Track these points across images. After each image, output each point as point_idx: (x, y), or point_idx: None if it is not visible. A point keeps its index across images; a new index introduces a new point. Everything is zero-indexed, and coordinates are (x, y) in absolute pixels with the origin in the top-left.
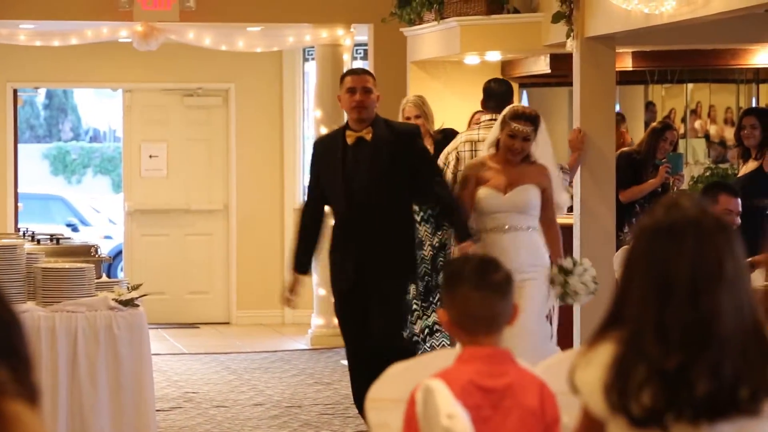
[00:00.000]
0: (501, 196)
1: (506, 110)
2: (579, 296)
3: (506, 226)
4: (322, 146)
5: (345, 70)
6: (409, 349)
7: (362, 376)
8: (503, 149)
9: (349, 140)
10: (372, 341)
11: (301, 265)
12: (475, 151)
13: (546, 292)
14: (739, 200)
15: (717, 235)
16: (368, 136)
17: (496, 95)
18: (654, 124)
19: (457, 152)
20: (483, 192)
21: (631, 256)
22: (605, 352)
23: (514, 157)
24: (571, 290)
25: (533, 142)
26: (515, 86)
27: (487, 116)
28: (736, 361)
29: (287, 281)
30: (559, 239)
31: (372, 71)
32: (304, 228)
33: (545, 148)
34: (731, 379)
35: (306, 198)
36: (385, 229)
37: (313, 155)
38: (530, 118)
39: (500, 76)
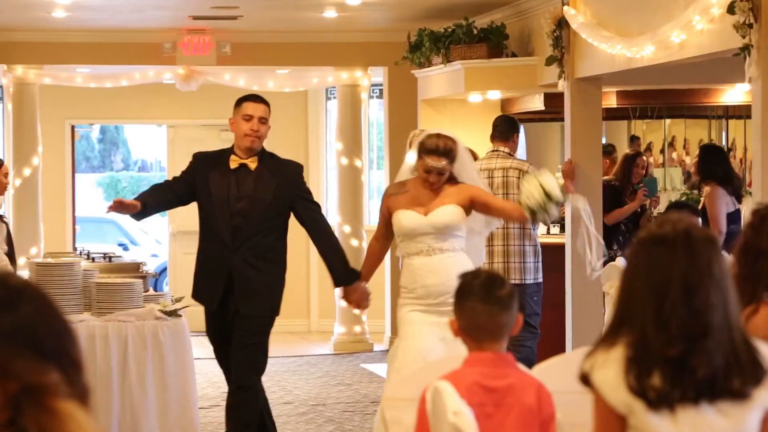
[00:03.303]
0: (422, 218)
1: (421, 140)
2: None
3: (432, 248)
4: (204, 162)
5: (241, 96)
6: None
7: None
8: (422, 182)
9: (233, 165)
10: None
11: (143, 201)
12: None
13: None
14: (694, 218)
15: (705, 242)
16: (252, 165)
17: (497, 128)
18: (627, 152)
19: None
20: (403, 214)
21: (630, 267)
22: (619, 352)
23: (432, 188)
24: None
25: (454, 165)
26: None
27: (492, 147)
28: (726, 352)
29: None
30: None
31: (386, 108)
32: (151, 188)
33: (468, 167)
34: (724, 366)
35: (166, 181)
36: (257, 259)
37: (193, 165)
38: (443, 153)
39: (500, 113)
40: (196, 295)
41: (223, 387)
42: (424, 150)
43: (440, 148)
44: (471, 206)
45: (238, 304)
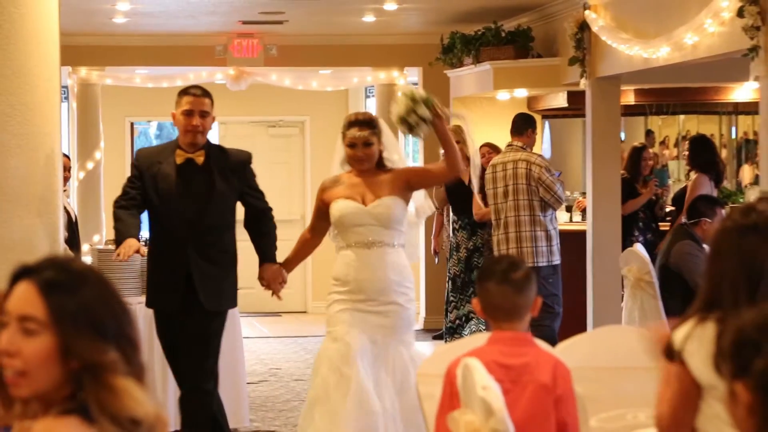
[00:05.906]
0: (362, 207)
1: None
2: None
3: (370, 240)
4: (147, 159)
5: (183, 88)
6: (207, 398)
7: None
8: (351, 163)
9: (179, 160)
10: (181, 378)
11: (131, 233)
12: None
13: (411, 318)
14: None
15: None
16: (200, 159)
17: (513, 124)
18: (634, 144)
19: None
20: (341, 204)
21: (718, 252)
22: (711, 330)
23: (362, 166)
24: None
25: (379, 146)
26: (539, 118)
27: (510, 141)
28: None
29: (126, 246)
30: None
31: None
32: (121, 215)
33: (394, 148)
34: None
35: (122, 198)
36: (215, 253)
37: (137, 166)
38: (364, 123)
39: (526, 110)
40: (153, 300)
41: (270, 363)
42: (345, 126)
43: (359, 118)
44: (409, 186)
45: (204, 302)
